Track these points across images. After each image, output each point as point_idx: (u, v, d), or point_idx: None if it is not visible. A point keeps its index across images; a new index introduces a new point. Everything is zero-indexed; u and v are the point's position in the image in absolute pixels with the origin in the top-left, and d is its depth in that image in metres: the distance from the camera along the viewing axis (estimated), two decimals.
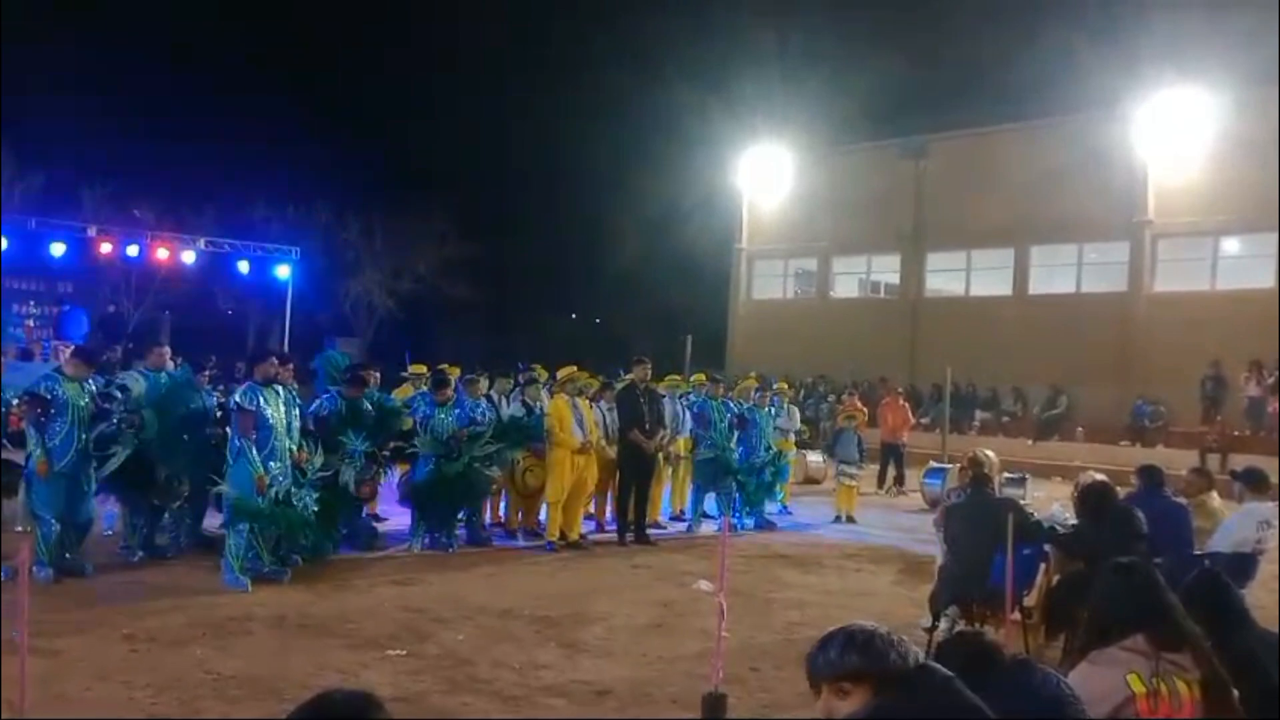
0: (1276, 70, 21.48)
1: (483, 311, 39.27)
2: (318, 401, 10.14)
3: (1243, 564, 7.32)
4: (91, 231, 22.95)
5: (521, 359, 17.29)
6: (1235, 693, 3.17)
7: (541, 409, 11.52)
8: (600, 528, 12.22)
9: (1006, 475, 16.34)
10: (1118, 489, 8.01)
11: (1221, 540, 7.59)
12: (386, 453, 10.34)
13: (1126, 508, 7.23)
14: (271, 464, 8.63)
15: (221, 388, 10.71)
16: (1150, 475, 7.95)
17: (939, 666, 2.50)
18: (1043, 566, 7.47)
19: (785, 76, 32.34)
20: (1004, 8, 29.36)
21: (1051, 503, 9.97)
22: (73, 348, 14.90)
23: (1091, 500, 7.31)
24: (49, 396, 8.49)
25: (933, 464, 16.83)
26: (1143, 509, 7.24)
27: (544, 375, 12.88)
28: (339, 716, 1.89)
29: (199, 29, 40.02)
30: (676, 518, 13.32)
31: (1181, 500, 7.98)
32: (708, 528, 12.65)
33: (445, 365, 12.30)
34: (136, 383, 9.25)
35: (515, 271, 41.99)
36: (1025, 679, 2.76)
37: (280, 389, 9.00)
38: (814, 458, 18.50)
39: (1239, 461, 20.25)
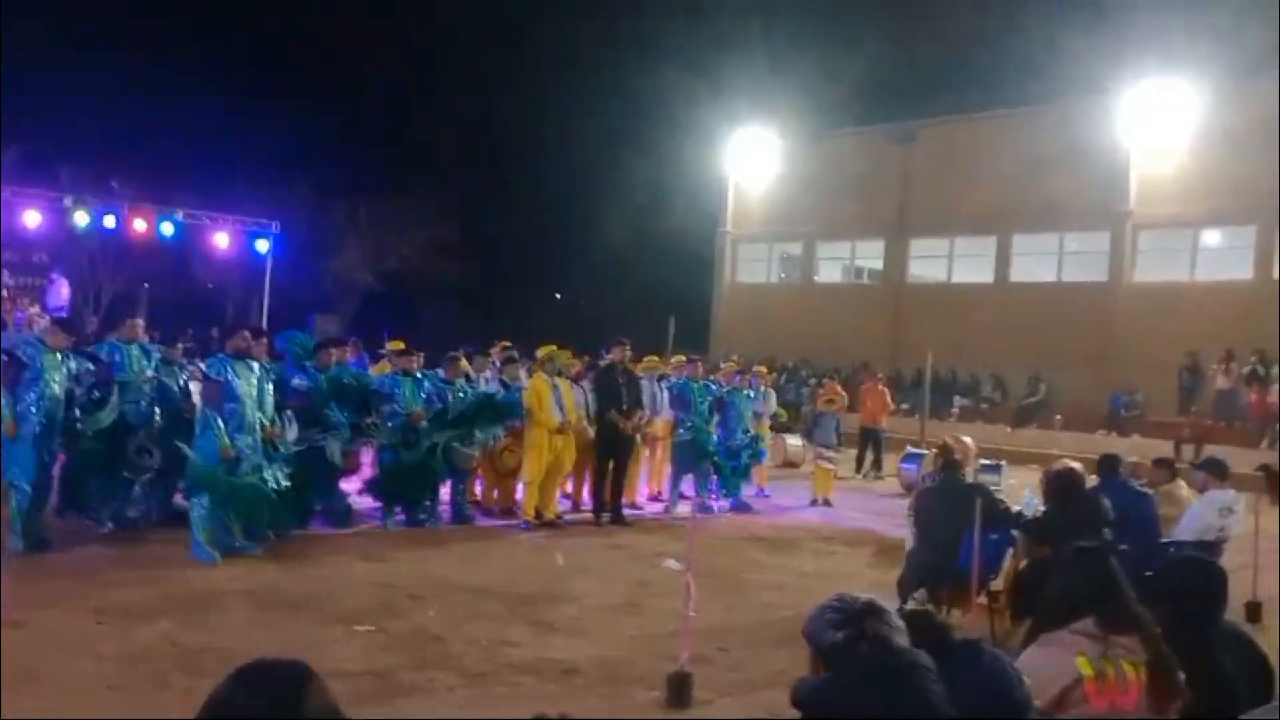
0: (1256, 63, 21.58)
1: (467, 291, 39.13)
2: (297, 378, 10.11)
3: (1206, 551, 7.39)
4: (68, 202, 22.72)
5: (506, 339, 17.27)
6: (1182, 676, 3.21)
7: (518, 387, 11.51)
8: (577, 507, 12.24)
9: (983, 462, 16.45)
10: (1088, 476, 8.10)
11: (1186, 528, 7.70)
12: (372, 420, 10.30)
13: (1093, 494, 7.30)
14: (240, 436, 8.58)
15: (194, 361, 10.68)
16: (1107, 464, 8.03)
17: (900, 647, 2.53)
18: (1010, 551, 7.52)
19: (772, 61, 32.35)
20: None
21: (1024, 489, 10.03)
22: (50, 318, 14.81)
23: (1058, 486, 7.35)
24: (26, 361, 8.45)
25: (910, 449, 16.89)
26: (1109, 497, 7.32)
27: (500, 352, 12.88)
28: (271, 687, 1.87)
29: (179, 3, 39.66)
30: (654, 498, 13.35)
31: (1147, 489, 8.06)
32: (685, 509, 12.68)
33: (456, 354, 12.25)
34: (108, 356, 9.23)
35: (500, 251, 41.84)
36: (972, 660, 2.79)
37: (254, 363, 8.97)
38: (793, 441, 18.55)
39: (1213, 452, 20.53)
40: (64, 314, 20.74)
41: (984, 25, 29.86)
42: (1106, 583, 3.26)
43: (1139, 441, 20.37)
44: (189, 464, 8.66)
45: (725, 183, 33.58)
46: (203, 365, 9.01)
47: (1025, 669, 3.15)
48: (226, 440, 8.46)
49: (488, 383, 11.71)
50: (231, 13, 39.41)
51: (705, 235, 34.40)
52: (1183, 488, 8.68)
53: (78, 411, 8.80)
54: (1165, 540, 7.61)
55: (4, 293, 23.26)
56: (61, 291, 25.11)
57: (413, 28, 42.28)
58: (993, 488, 9.97)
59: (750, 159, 32.53)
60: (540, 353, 11.78)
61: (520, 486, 11.53)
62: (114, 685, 5.59)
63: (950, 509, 7.17)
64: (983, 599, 7.17)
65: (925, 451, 15.73)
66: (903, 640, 2.52)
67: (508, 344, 13.52)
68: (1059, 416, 24.06)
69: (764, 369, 16.34)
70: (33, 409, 8.39)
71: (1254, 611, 8.23)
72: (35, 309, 22.00)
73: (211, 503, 8.49)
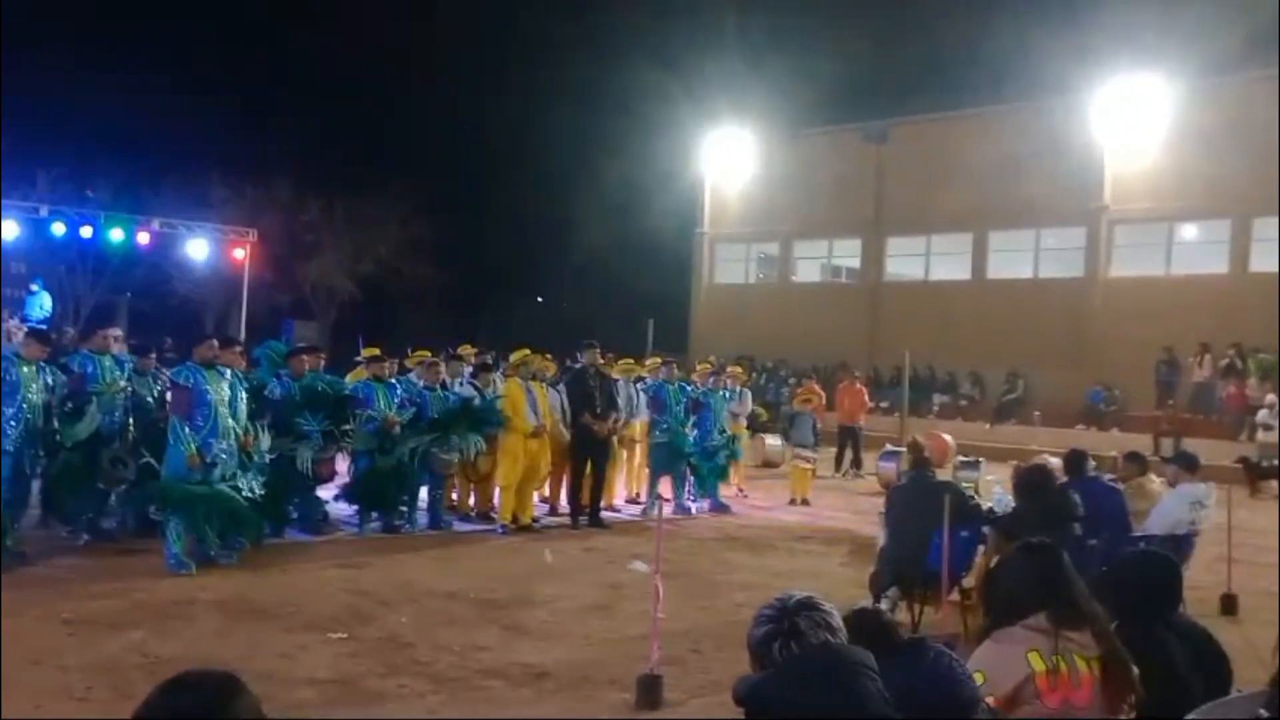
0: (1229, 60, 21.75)
1: (445, 294, 39.02)
2: (270, 385, 10.08)
3: (1177, 544, 7.45)
4: (43, 212, 22.59)
5: (485, 342, 17.25)
6: (1135, 671, 3.23)
7: (493, 393, 11.49)
8: (555, 511, 12.23)
9: (961, 459, 16.56)
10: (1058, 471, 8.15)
11: (1157, 522, 7.74)
12: (346, 428, 10.25)
13: (1062, 490, 7.34)
14: (215, 442, 8.52)
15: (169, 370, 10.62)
16: (1074, 460, 8.08)
17: (838, 647, 2.55)
18: (981, 548, 7.55)
19: (747, 60, 32.40)
20: None
21: (994, 486, 10.09)
22: (26, 329, 14.72)
23: (1028, 483, 7.40)
24: (1, 375, 8.40)
25: (889, 447, 16.95)
26: (1079, 492, 7.36)
27: (470, 353, 12.89)
28: (199, 699, 1.86)
29: (156, 7, 39.47)
30: (632, 501, 13.35)
31: (1116, 483, 8.11)
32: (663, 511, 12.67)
33: (421, 351, 12.24)
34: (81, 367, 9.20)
35: (478, 254, 41.74)
36: (918, 658, 2.81)
37: (226, 371, 8.91)
38: (771, 441, 18.58)
39: (1191, 445, 20.67)
40: (46, 326, 20.61)
41: (957, 25, 30.00)
42: (1055, 578, 3.28)
43: (1118, 436, 20.52)
44: (160, 482, 8.59)
45: (701, 183, 33.66)
46: (171, 374, 8.95)
47: (978, 665, 3.17)
48: (193, 447, 8.40)
49: (460, 387, 11.67)
50: (204, 20, 39.28)
51: (683, 236, 34.47)
52: (1154, 481, 8.73)
53: (56, 423, 8.77)
54: (1136, 534, 7.65)
55: None
56: (44, 303, 24.94)
57: (387, 31, 42.18)
58: (966, 485, 10.07)
59: (726, 159, 32.61)
60: (514, 357, 11.78)
61: (497, 491, 11.51)
62: (80, 696, 5.56)
63: (920, 507, 7.19)
64: (955, 596, 7.20)
65: (903, 450, 15.80)
66: (836, 637, 2.53)
67: (469, 346, 13.48)
68: (1038, 412, 24.20)
69: (738, 369, 16.37)
70: (10, 422, 8.34)
71: (1229, 604, 8.30)
72: (14, 321, 21.85)
73: (184, 523, 8.43)
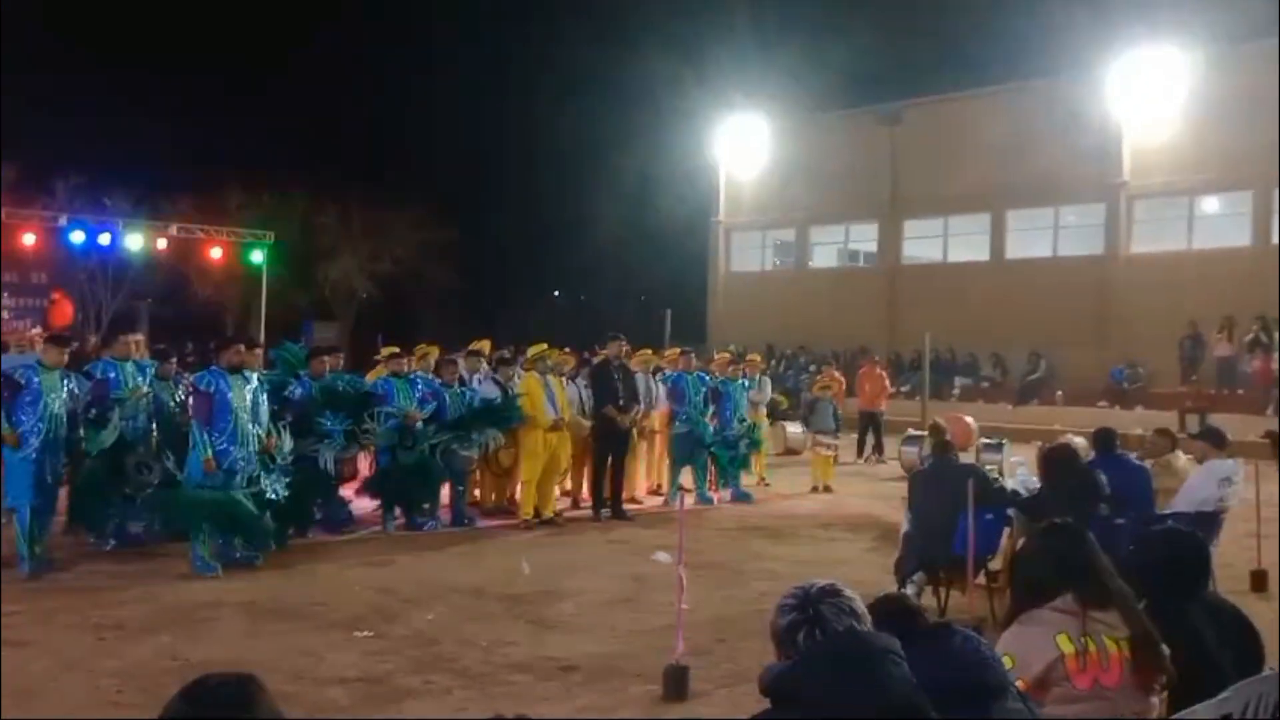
0: (1247, 29, 21.50)
1: (463, 292, 39.12)
2: (290, 387, 10.12)
3: (1206, 522, 7.38)
4: (63, 220, 22.77)
5: (503, 339, 17.26)
6: (1165, 650, 3.20)
7: (515, 388, 11.51)
8: (576, 504, 12.24)
9: (984, 441, 16.44)
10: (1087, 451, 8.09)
11: (1184, 499, 7.67)
12: (366, 429, 10.29)
13: (1088, 470, 7.30)
14: (235, 449, 8.56)
15: (191, 375, 10.67)
16: (1103, 438, 8.00)
17: (862, 634, 2.53)
18: (1007, 531, 7.51)
19: (759, 46, 32.33)
20: None
21: (1017, 467, 10.01)
22: (46, 335, 14.81)
23: (1053, 463, 7.35)
24: (23, 383, 8.46)
25: (911, 431, 16.86)
26: (1104, 471, 7.30)
27: (487, 349, 12.89)
28: (218, 703, 1.87)
29: (170, 15, 39.64)
30: (654, 492, 13.35)
31: (1142, 461, 8.04)
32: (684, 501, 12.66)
33: (422, 344, 12.24)
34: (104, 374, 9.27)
35: (494, 251, 41.86)
36: (945, 642, 2.78)
37: (249, 374, 8.94)
38: (793, 429, 18.53)
39: (1217, 421, 20.49)
40: (67, 333, 20.74)
41: (968, 3, 29.78)
42: (1080, 558, 3.25)
43: (1142, 414, 20.35)
44: (180, 491, 8.62)
45: (715, 171, 33.54)
46: (194, 379, 8.99)
47: (1006, 648, 3.15)
48: (209, 452, 8.43)
49: (480, 383, 11.69)
50: (219, 26, 39.43)
51: (698, 225, 34.38)
52: (1180, 458, 8.65)
53: (81, 431, 8.82)
54: (1163, 512, 7.59)
55: (6, 314, 23.33)
56: (65, 310, 25.14)
57: (399, 28, 42.26)
58: (990, 467, 10.00)
59: (739, 146, 32.47)
60: (531, 351, 11.79)
61: (519, 485, 11.54)
62: (114, 701, 5.60)
63: (944, 491, 7.16)
64: (981, 579, 7.16)
65: (926, 434, 15.73)
66: (860, 624, 2.51)
67: (485, 341, 13.46)
68: (1060, 392, 24.03)
69: (757, 358, 16.33)
70: (34, 431, 8.39)
71: (1259, 580, 8.22)
72: (37, 330, 22.04)
73: (208, 531, 8.47)
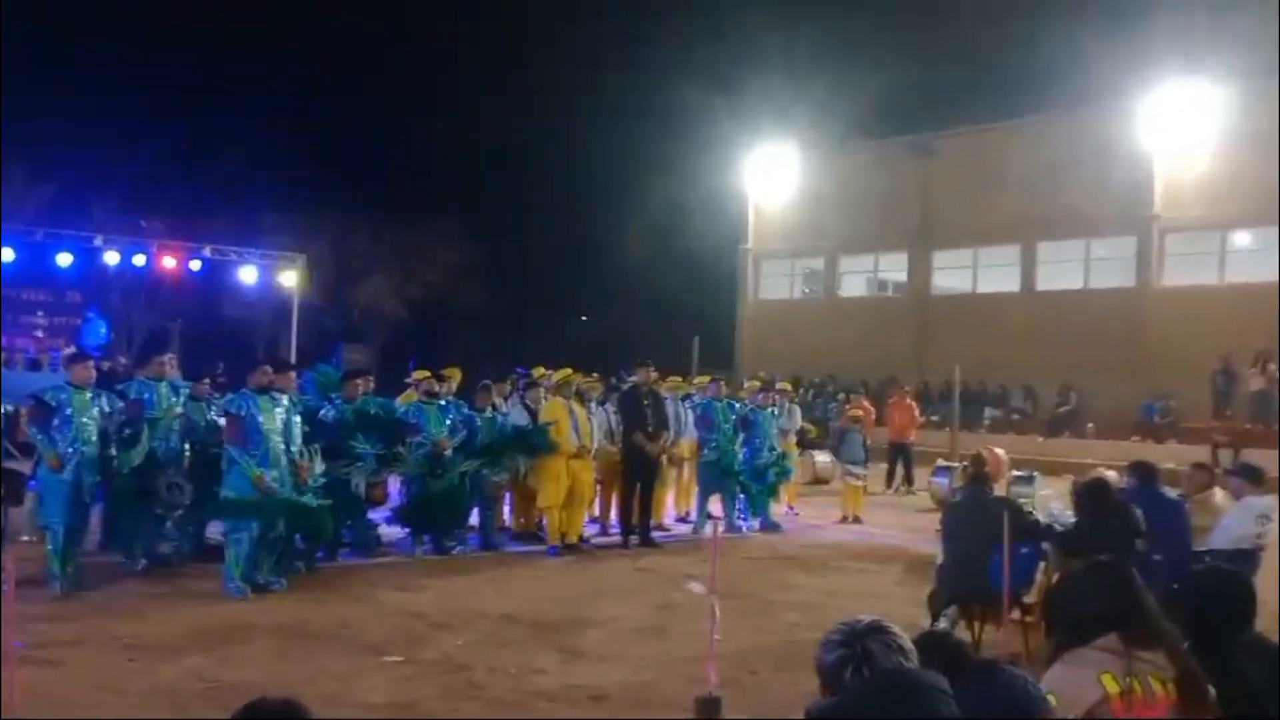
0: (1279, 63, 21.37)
1: (492, 315, 39.32)
2: (323, 409, 10.17)
3: (1243, 559, 7.26)
4: (98, 241, 23.07)
5: (532, 362, 17.28)
6: (1212, 691, 3.15)
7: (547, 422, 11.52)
8: (605, 531, 12.22)
9: (1015, 473, 16.30)
10: (1119, 484, 7.99)
11: (1221, 536, 7.56)
12: (399, 450, 10.32)
13: (1124, 504, 7.20)
14: (264, 471, 8.58)
15: (223, 396, 10.74)
16: (1143, 471, 7.90)
17: (911, 671, 2.50)
18: (1042, 565, 7.42)
19: (790, 76, 32.43)
20: (1007, 4, 29.28)
21: (1050, 500, 9.91)
22: (69, 354, 14.94)
23: (1089, 497, 7.28)
24: (54, 404, 8.55)
25: (940, 462, 16.75)
26: (1140, 505, 7.22)
27: (542, 375, 12.88)
28: None
29: (203, 37, 40.24)
30: (682, 520, 13.31)
31: (1178, 496, 7.94)
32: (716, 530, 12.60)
33: (446, 368, 12.27)
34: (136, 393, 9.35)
35: (524, 275, 42.09)
36: (990, 680, 2.75)
37: (280, 396, 8.99)
38: (821, 458, 18.44)
39: (1250, 456, 20.23)
40: (100, 353, 21.00)
41: (1001, 34, 29.78)
42: (1126, 597, 3.20)
43: (1175, 448, 20.12)
44: (223, 501, 8.68)
45: (745, 199, 33.60)
46: (224, 402, 9.06)
47: (1049, 687, 3.10)
48: (258, 469, 8.49)
49: (510, 408, 11.72)
50: (254, 52, 39.95)
51: (727, 252, 34.42)
52: (1218, 494, 8.53)
53: (114, 450, 8.90)
54: (1200, 549, 7.48)
55: (40, 333, 23.64)
56: (99, 330, 25.46)
57: (432, 56, 42.67)
58: (1023, 500, 9.90)
59: (770, 175, 32.54)
60: (557, 376, 11.80)
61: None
62: None
63: (977, 523, 7.08)
64: (1015, 614, 7.08)
65: (956, 465, 15.61)
66: (909, 661, 2.49)
67: (541, 368, 13.48)
68: (1091, 425, 23.82)
69: (787, 386, 16.29)
70: (68, 452, 8.46)
71: None
72: (71, 349, 22.31)
73: (258, 528, 8.48)
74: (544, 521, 11.50)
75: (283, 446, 8.71)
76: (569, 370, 11.81)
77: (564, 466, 10.99)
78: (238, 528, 8.55)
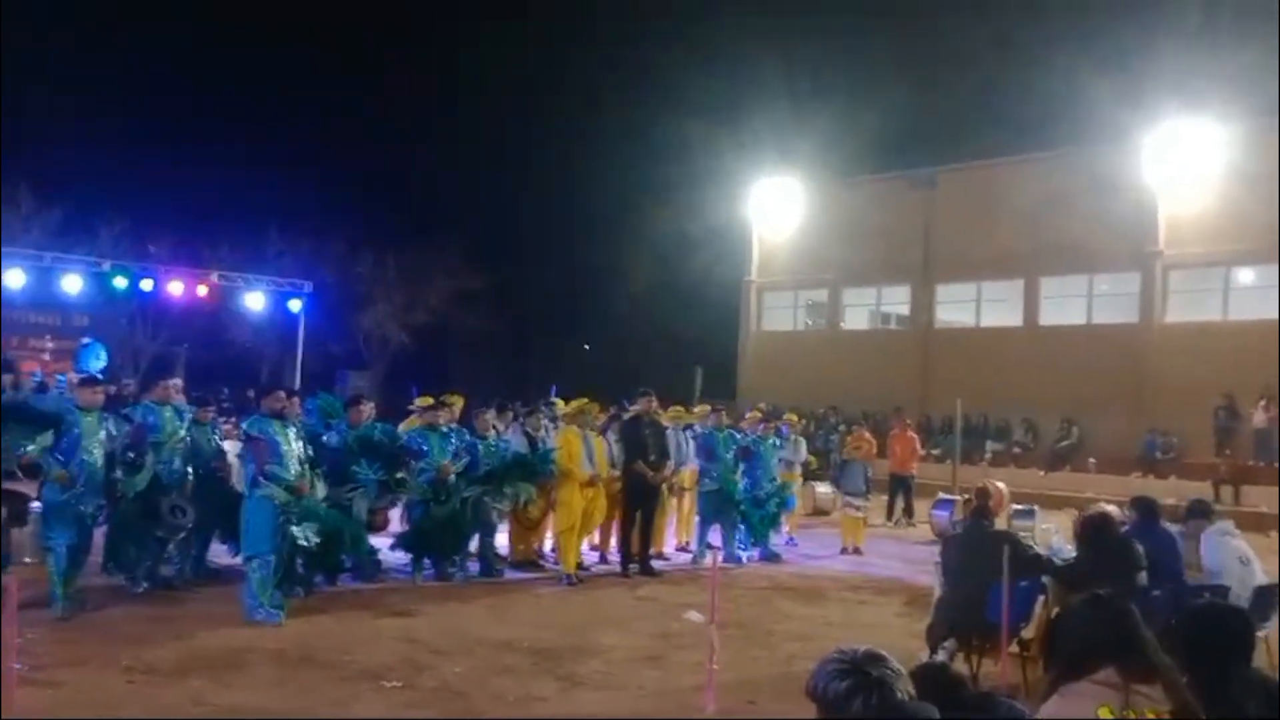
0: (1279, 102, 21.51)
1: (496, 342, 39.37)
2: (327, 435, 10.21)
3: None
4: (105, 265, 23.18)
5: (535, 390, 17.31)
6: None
7: (544, 441, 11.56)
8: (605, 559, 12.21)
9: (1016, 507, 16.28)
10: (1120, 520, 8.00)
11: (1210, 572, 7.58)
12: (401, 475, 10.33)
13: (1125, 539, 7.22)
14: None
15: (227, 420, 10.80)
16: (1144, 506, 7.91)
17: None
18: (1041, 599, 7.43)
19: (794, 109, 32.61)
20: (1011, 40, 29.50)
21: (1051, 534, 9.91)
22: (80, 377, 15.00)
23: (1090, 531, 7.29)
24: (63, 428, 8.59)
25: (941, 495, 16.74)
26: (1141, 540, 7.23)
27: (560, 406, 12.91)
28: None
29: (212, 64, 40.58)
30: (682, 549, 13.30)
31: (1179, 532, 7.95)
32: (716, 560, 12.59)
33: (448, 395, 12.30)
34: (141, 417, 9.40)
35: (527, 302, 42.15)
36: (989, 713, 2.77)
37: (290, 421, 9.04)
38: (822, 489, 18.43)
39: (1252, 493, 20.22)
40: (102, 376, 20.99)
41: (1006, 70, 30.00)
42: (1124, 631, 3.22)
43: (1176, 483, 20.10)
44: (246, 527, 8.67)
45: (749, 231, 33.70)
46: (243, 425, 9.10)
47: None
48: (292, 478, 8.57)
49: (511, 435, 11.75)
50: (260, 78, 40.28)
51: (730, 284, 34.50)
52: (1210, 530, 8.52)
53: (119, 473, 8.93)
54: (1199, 584, 7.48)
55: (47, 356, 23.72)
56: (98, 354, 25.49)
57: (438, 82, 43.01)
58: (1023, 534, 9.90)
59: (773, 207, 32.65)
60: (571, 406, 11.81)
61: (548, 539, 11.52)
62: None
63: (977, 557, 7.10)
64: (1014, 648, 7.08)
65: (957, 498, 15.61)
66: (906, 686, 2.51)
67: (563, 402, 13.52)
68: (1093, 460, 23.78)
69: (794, 416, 16.31)
70: (74, 472, 8.49)
71: None
72: (74, 373, 22.38)
73: (284, 551, 8.52)
74: (543, 550, 11.50)
75: (298, 469, 8.77)
76: (583, 400, 11.83)
77: (578, 494, 11.01)
78: (260, 552, 8.54)
